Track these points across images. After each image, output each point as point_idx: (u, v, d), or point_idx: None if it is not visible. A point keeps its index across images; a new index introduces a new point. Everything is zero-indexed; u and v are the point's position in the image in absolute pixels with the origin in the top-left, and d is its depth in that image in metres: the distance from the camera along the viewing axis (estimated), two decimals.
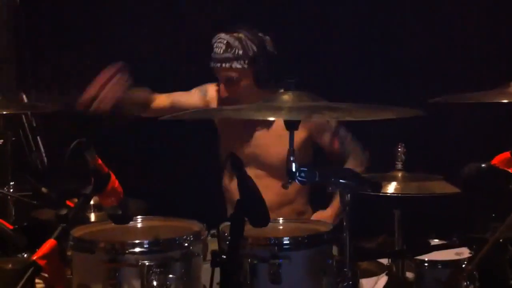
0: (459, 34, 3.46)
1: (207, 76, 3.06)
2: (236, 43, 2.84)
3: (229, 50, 2.84)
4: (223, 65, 2.86)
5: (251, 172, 2.84)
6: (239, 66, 2.84)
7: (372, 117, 1.83)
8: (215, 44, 2.88)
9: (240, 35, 2.86)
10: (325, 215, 2.86)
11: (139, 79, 3.22)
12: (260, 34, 2.91)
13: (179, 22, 3.81)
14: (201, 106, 3.01)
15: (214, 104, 3.02)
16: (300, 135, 2.86)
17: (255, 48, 2.85)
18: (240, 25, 2.92)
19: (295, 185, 2.89)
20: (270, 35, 2.97)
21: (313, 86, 2.02)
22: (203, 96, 3.06)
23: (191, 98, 3.06)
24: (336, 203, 2.87)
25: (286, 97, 1.94)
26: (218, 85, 3.00)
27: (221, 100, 2.99)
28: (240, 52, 2.84)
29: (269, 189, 2.77)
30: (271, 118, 2.03)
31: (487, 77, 3.22)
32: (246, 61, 2.84)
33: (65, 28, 3.92)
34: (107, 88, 2.85)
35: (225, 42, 2.85)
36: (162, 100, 3.04)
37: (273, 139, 2.90)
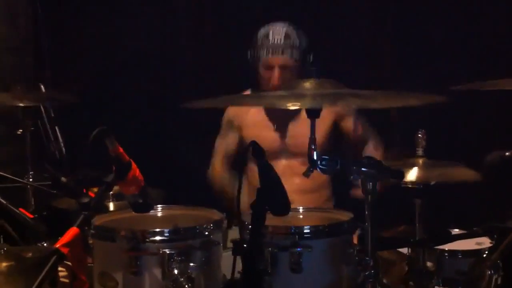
0: (481, 20, 3.43)
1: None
2: (294, 34, 2.89)
3: (288, 39, 2.87)
4: (283, 52, 2.86)
5: (280, 161, 2.91)
6: (296, 56, 2.87)
7: (397, 104, 1.81)
8: (271, 33, 2.89)
9: (292, 27, 2.89)
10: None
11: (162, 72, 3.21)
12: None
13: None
14: (237, 136, 3.04)
15: (239, 120, 3.04)
16: (325, 121, 2.92)
17: (306, 41, 2.90)
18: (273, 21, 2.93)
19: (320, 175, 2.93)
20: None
21: (334, 74, 2.00)
22: (231, 128, 3.07)
23: (229, 139, 3.07)
24: None
25: (308, 84, 1.93)
26: (262, 76, 2.93)
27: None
28: (297, 42, 2.87)
29: (298, 176, 2.79)
30: (294, 107, 2.00)
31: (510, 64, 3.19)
32: (300, 52, 2.87)
33: (83, 17, 3.92)
34: None
35: (284, 31, 2.88)
36: (218, 166, 3.08)
37: (300, 127, 2.90)
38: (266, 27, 2.92)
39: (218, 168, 3.11)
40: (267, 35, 2.90)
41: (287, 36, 2.87)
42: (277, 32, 2.89)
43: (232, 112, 3.06)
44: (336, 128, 2.97)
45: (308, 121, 2.80)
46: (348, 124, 2.97)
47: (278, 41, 2.87)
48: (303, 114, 2.83)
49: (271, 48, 2.88)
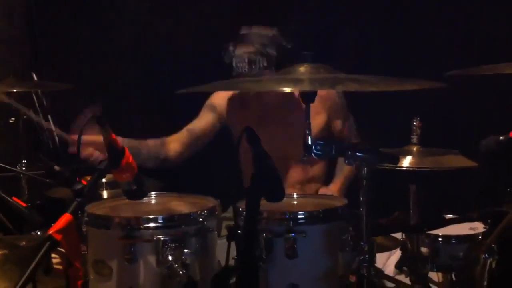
0: (477, 6, 3.42)
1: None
2: (258, 57, 2.81)
3: (253, 66, 2.81)
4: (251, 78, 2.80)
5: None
6: (266, 72, 2.81)
7: (395, 88, 1.81)
8: (236, 62, 2.83)
9: (256, 46, 2.82)
10: (329, 192, 2.86)
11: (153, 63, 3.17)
12: (269, 33, 2.87)
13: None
14: (215, 121, 3.00)
15: (224, 110, 3.01)
16: (318, 120, 2.89)
17: (274, 52, 2.83)
18: (245, 27, 2.89)
19: (316, 166, 2.94)
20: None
21: (329, 59, 2.00)
22: (212, 111, 3.03)
23: (203, 119, 3.02)
24: (339, 180, 2.91)
25: (303, 69, 1.92)
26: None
27: (231, 101, 3.00)
28: (265, 64, 2.81)
29: (291, 169, 2.79)
30: (287, 89, 1.98)
31: (505, 49, 3.19)
32: (272, 66, 2.82)
33: (76, 8, 3.91)
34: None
35: (246, 60, 2.81)
36: (177, 139, 2.99)
37: (290, 132, 2.84)
38: (230, 49, 2.84)
39: (174, 140, 2.98)
40: (231, 60, 2.83)
41: (250, 63, 2.80)
42: (239, 62, 2.82)
43: (217, 99, 3.02)
44: (328, 128, 2.94)
45: (295, 113, 2.81)
46: (337, 124, 2.95)
47: (243, 70, 2.81)
48: (293, 105, 2.87)
49: (237, 74, 2.82)
